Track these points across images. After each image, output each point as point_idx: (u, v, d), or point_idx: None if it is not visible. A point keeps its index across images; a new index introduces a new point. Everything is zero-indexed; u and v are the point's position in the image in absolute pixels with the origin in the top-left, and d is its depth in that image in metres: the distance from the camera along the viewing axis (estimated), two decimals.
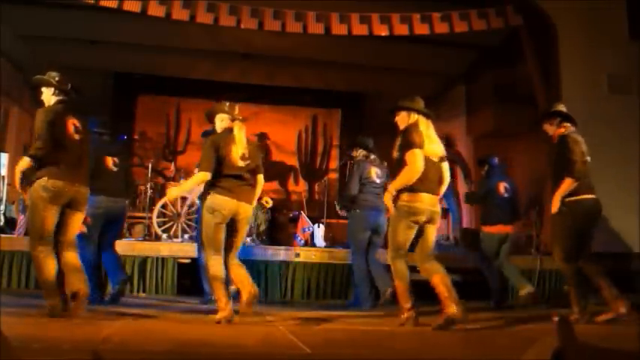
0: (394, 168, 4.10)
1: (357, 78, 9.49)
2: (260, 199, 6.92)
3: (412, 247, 4.05)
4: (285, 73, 9.38)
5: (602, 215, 4.40)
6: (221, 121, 4.20)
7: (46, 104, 3.99)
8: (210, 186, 4.00)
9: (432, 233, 4.02)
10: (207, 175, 3.96)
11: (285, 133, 10.56)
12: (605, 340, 3.15)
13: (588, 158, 4.25)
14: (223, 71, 9.37)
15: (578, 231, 4.20)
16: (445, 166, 4.11)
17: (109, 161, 5.00)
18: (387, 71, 8.96)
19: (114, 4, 5.84)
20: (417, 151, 3.89)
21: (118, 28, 7.46)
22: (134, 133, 9.82)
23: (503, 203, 5.60)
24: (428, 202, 3.94)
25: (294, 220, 7.08)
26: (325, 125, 10.72)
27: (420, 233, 3.98)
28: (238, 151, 4.03)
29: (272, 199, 7.37)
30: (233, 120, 4.15)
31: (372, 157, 5.38)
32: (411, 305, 3.90)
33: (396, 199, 3.95)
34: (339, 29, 6.24)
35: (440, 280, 3.84)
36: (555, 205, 4.16)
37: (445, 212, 7.83)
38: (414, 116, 4.06)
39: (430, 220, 3.97)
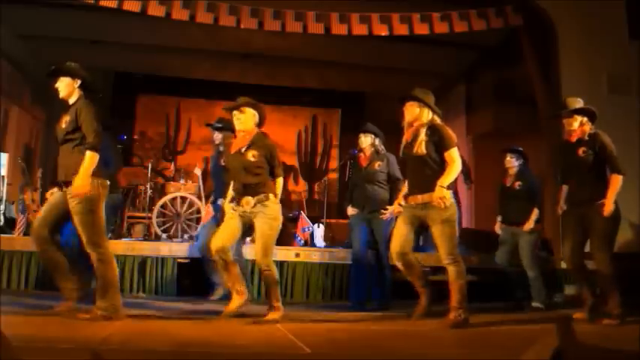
0: (415, 164, 4.02)
1: (357, 78, 9.50)
2: None
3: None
4: (285, 73, 9.39)
5: None
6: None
7: (66, 96, 3.79)
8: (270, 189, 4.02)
9: None
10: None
11: (285, 133, 10.57)
12: (605, 340, 3.15)
13: None
14: (223, 71, 9.38)
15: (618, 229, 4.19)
16: None
17: None
18: (387, 71, 8.97)
19: (114, 4, 5.84)
20: (457, 149, 3.95)
21: (118, 28, 7.47)
22: (134, 133, 9.84)
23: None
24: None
25: (294, 220, 7.09)
26: (325, 125, 10.73)
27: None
28: None
29: None
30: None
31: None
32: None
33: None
34: (339, 29, 6.24)
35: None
36: (609, 206, 4.09)
37: None
38: (428, 112, 4.03)
39: None
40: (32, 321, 3.56)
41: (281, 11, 6.21)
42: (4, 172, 6.72)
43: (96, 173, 3.68)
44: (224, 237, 4.01)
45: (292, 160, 10.56)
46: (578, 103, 4.32)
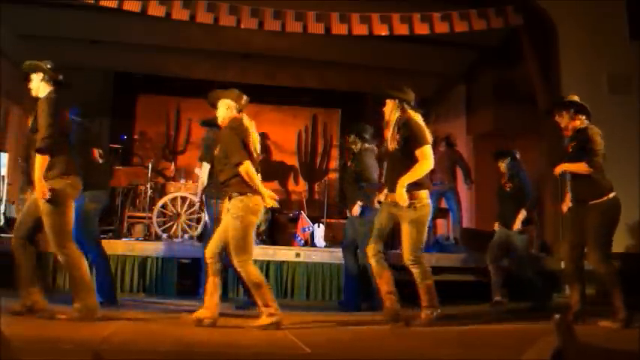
0: (390, 161, 4.01)
1: (357, 78, 9.49)
2: None
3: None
4: (285, 73, 9.38)
5: None
6: (227, 109, 3.99)
7: (35, 93, 3.74)
8: (242, 183, 3.70)
9: None
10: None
11: (285, 133, 10.56)
12: (605, 341, 3.15)
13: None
14: (223, 71, 9.37)
15: (615, 229, 4.10)
16: None
17: (96, 153, 4.88)
18: (387, 71, 8.95)
19: (114, 4, 5.84)
20: (429, 147, 3.84)
21: (118, 28, 7.46)
22: (134, 133, 9.82)
23: None
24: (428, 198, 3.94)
25: (294, 220, 7.09)
26: (325, 125, 10.72)
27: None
28: (256, 144, 3.87)
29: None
30: (240, 110, 3.96)
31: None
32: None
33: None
34: (339, 29, 6.24)
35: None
36: (560, 169, 4.12)
37: (445, 212, 7.83)
38: (399, 107, 3.96)
39: None
40: (32, 321, 3.55)
41: (281, 11, 6.21)
42: (4, 172, 6.72)
43: (64, 173, 3.59)
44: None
45: (292, 160, 10.56)
46: (574, 97, 4.26)
